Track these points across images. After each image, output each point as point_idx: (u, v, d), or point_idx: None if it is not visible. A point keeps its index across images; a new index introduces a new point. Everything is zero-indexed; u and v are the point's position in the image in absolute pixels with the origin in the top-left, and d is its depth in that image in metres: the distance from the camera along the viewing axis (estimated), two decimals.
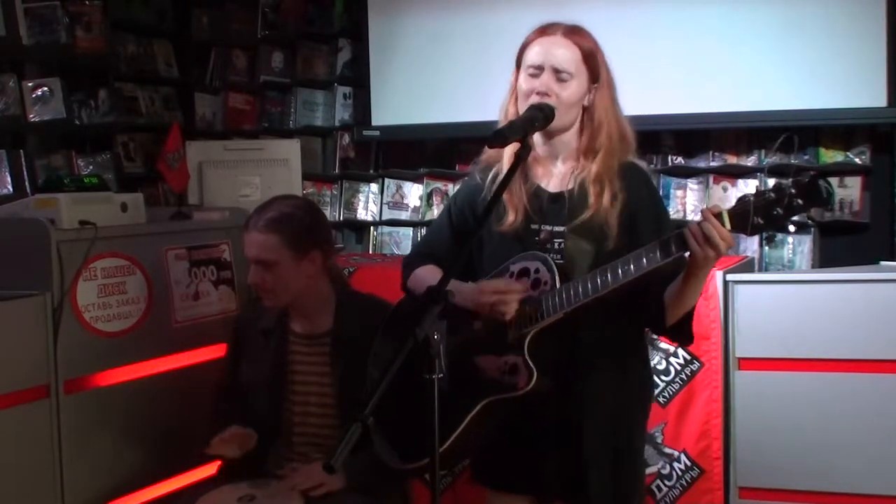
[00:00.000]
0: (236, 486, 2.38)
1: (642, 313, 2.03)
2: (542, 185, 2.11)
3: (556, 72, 2.02)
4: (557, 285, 1.95)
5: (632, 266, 1.86)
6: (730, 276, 3.07)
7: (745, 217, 1.74)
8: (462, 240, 2.16)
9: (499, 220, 2.08)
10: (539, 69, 2.03)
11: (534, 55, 2.05)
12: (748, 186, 4.01)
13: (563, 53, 2.03)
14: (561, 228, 2.05)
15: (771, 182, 3.98)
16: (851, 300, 2.96)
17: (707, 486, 3.09)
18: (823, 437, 2.96)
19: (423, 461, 2.00)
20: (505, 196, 2.05)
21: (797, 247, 3.94)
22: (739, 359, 3.06)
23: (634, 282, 1.88)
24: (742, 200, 1.76)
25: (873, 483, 2.92)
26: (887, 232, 3.85)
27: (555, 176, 2.11)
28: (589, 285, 1.90)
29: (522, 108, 2.03)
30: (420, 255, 2.28)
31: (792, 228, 3.88)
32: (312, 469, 2.35)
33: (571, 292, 1.92)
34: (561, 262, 2.02)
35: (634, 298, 1.98)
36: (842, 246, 3.88)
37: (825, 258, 3.90)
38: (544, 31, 2.07)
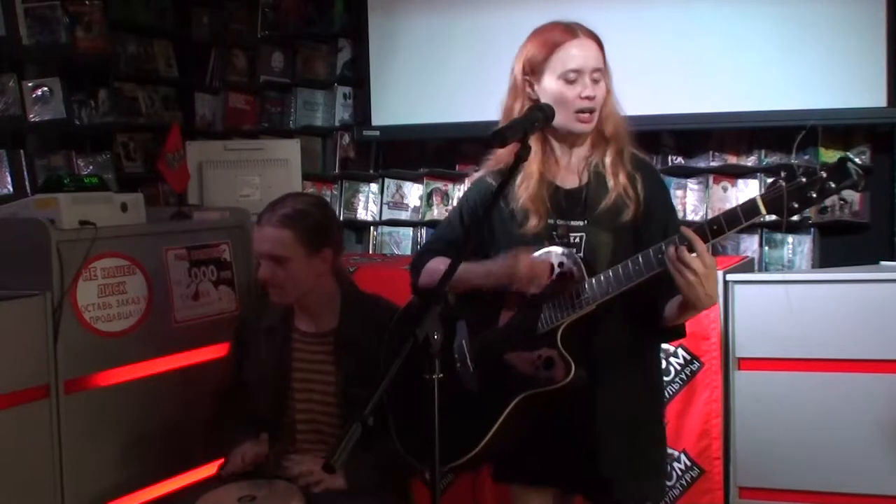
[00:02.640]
0: (236, 486, 2.38)
1: (652, 312, 2.03)
2: (558, 182, 2.12)
3: (593, 73, 2.03)
4: (585, 277, 1.96)
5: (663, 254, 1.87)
6: (730, 276, 3.07)
7: (779, 202, 1.74)
8: (474, 239, 2.15)
9: (523, 226, 2.08)
10: (578, 73, 2.02)
11: (572, 59, 2.02)
12: (748, 186, 4.02)
13: (595, 54, 2.04)
14: (580, 223, 2.06)
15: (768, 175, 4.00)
16: (851, 300, 2.96)
17: (707, 486, 3.09)
18: (823, 437, 2.96)
19: (461, 460, 2.04)
20: (526, 199, 2.07)
21: (797, 247, 3.95)
22: (739, 359, 3.06)
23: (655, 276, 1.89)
24: (774, 186, 1.75)
25: (873, 483, 2.92)
26: (887, 232, 3.85)
27: (568, 172, 2.12)
28: (622, 275, 1.91)
29: (562, 116, 2.03)
30: (431, 251, 2.25)
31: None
32: (313, 464, 2.35)
33: (604, 284, 1.93)
34: (580, 255, 2.03)
35: (647, 295, 1.98)
36: (842, 246, 3.88)
37: (825, 258, 3.90)
38: (572, 32, 2.05)
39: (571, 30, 2.05)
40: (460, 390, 2.07)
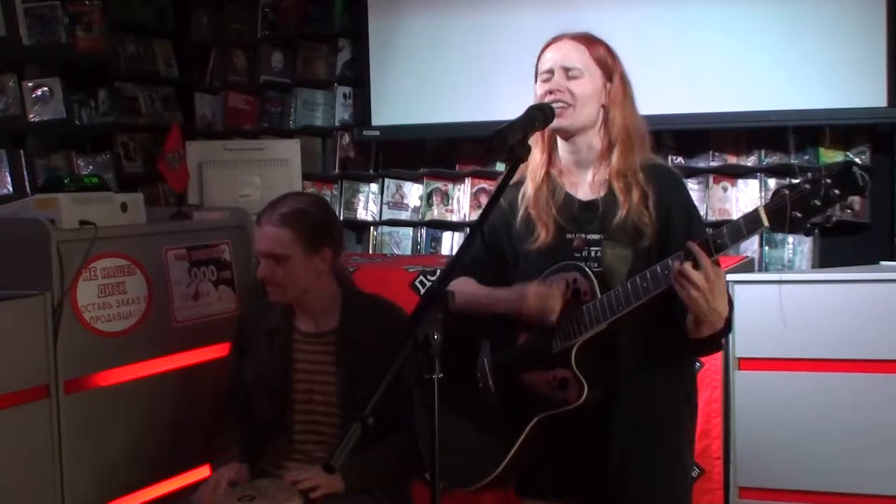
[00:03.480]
0: (236, 486, 2.38)
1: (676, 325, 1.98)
2: (573, 193, 2.09)
3: (566, 70, 2.03)
4: (598, 294, 1.93)
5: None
6: (730, 276, 3.06)
7: (783, 212, 1.69)
8: (496, 254, 2.14)
9: (530, 240, 2.07)
10: (550, 72, 2.04)
11: (543, 62, 2.08)
12: (748, 186, 4.02)
13: (570, 52, 2.05)
14: (597, 236, 2.03)
15: (772, 181, 4.00)
16: (851, 300, 2.96)
17: (707, 486, 3.09)
18: (823, 437, 2.96)
19: (480, 483, 2.04)
20: (533, 213, 2.06)
21: (797, 247, 3.95)
22: (739, 359, 3.06)
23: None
24: (778, 195, 1.71)
25: (873, 483, 2.92)
26: (887, 232, 3.85)
27: (585, 183, 2.09)
28: (631, 292, 1.88)
29: None
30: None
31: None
32: (313, 470, 2.35)
33: (614, 301, 1.90)
34: (598, 269, 1.99)
35: (668, 308, 1.94)
36: (842, 246, 3.88)
37: (825, 258, 3.91)
38: (553, 40, 2.10)
39: (558, 36, 2.09)
40: (482, 410, 2.07)
